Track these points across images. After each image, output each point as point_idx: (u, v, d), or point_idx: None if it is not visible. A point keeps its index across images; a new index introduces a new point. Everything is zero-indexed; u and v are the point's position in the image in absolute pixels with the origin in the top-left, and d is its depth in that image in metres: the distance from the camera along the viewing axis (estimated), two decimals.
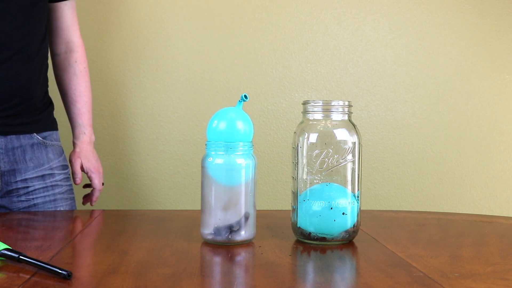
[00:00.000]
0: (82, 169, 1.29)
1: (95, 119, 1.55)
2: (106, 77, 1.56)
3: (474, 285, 0.64)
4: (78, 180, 1.27)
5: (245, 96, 0.82)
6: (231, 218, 0.81)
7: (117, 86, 1.56)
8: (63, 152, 1.28)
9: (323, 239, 0.82)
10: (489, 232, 0.96)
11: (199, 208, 0.85)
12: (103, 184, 1.32)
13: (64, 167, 1.27)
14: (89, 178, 1.30)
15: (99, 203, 1.57)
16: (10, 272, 0.67)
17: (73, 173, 1.27)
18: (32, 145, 1.20)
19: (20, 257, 0.69)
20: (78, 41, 1.31)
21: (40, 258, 0.71)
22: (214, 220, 0.82)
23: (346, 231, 0.83)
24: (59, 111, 1.36)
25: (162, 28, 1.55)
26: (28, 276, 0.65)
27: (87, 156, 1.29)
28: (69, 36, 1.29)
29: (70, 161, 1.29)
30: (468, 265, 0.73)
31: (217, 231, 0.82)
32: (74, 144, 1.30)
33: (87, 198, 1.31)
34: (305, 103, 0.85)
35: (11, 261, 0.70)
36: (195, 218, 0.95)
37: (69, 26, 1.29)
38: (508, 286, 0.64)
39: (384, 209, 1.59)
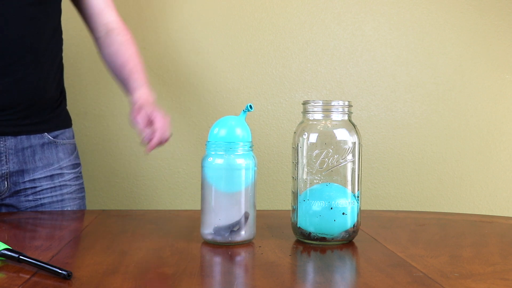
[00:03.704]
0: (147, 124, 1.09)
1: (95, 119, 1.56)
2: (106, 77, 1.56)
3: (474, 285, 0.64)
4: (145, 137, 1.08)
5: (250, 106, 0.82)
6: (231, 218, 0.81)
7: (117, 86, 1.56)
8: (75, 149, 1.25)
9: (323, 239, 0.82)
10: (489, 232, 0.96)
11: (199, 208, 0.85)
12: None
13: (75, 166, 1.24)
14: (152, 119, 1.08)
15: (99, 203, 1.57)
16: (10, 272, 0.67)
17: (140, 132, 1.08)
18: (43, 145, 1.18)
19: (20, 257, 0.69)
20: (115, 20, 1.25)
21: (40, 258, 0.71)
22: (214, 220, 0.82)
23: (346, 231, 0.83)
24: (72, 107, 1.35)
25: (162, 28, 1.55)
26: (28, 276, 0.65)
27: (146, 103, 1.12)
28: (106, 18, 1.25)
29: (132, 121, 1.10)
30: (468, 265, 0.73)
31: (217, 231, 0.82)
32: (131, 103, 1.14)
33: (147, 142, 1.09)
34: (305, 103, 0.85)
35: (11, 261, 0.70)
36: (195, 218, 0.95)
37: (103, 9, 1.25)
38: (508, 286, 0.64)
39: (384, 209, 1.59)
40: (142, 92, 1.15)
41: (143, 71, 1.21)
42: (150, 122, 1.08)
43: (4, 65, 1.10)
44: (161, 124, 1.07)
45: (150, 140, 1.08)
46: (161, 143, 1.09)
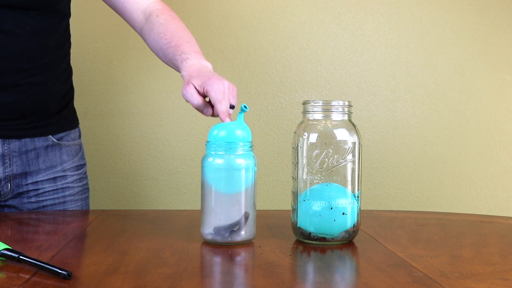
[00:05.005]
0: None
1: (95, 119, 1.56)
2: (106, 77, 1.56)
3: (474, 285, 0.64)
4: (209, 111, 0.92)
5: (245, 107, 0.82)
6: (231, 218, 0.81)
7: (117, 86, 1.56)
8: (80, 150, 1.24)
9: (323, 239, 0.82)
10: (489, 232, 0.96)
11: (199, 208, 0.85)
12: (232, 107, 0.91)
13: (79, 167, 1.22)
14: (205, 90, 0.92)
15: (100, 203, 1.57)
16: (10, 272, 0.67)
17: (197, 107, 0.93)
18: (46, 147, 1.16)
19: (20, 257, 0.69)
20: (152, 2, 1.15)
21: (40, 258, 0.71)
22: (214, 220, 0.82)
23: (346, 231, 0.83)
24: (80, 101, 1.33)
25: None
26: (28, 276, 0.65)
27: (196, 73, 0.95)
28: (141, 4, 1.16)
29: (184, 96, 0.94)
30: (468, 265, 0.73)
31: (217, 231, 0.82)
32: (182, 77, 1.00)
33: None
34: (305, 103, 0.85)
35: (11, 261, 0.70)
36: (195, 218, 0.95)
37: (137, 1, 1.16)
38: (508, 286, 0.64)
39: (384, 209, 1.59)
40: (191, 64, 0.99)
41: (193, 42, 1.06)
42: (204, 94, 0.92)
43: (7, 78, 1.08)
44: (216, 93, 0.89)
45: (214, 113, 0.92)
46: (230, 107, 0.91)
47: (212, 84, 0.90)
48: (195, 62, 0.99)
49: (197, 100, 0.91)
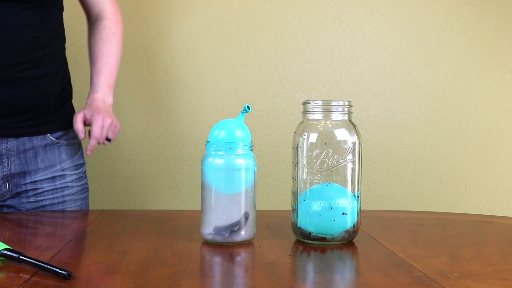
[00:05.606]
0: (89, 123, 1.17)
1: None
2: None
3: (474, 285, 0.64)
4: (81, 135, 1.16)
5: (248, 107, 0.82)
6: (231, 218, 0.81)
7: (117, 86, 1.56)
8: (79, 149, 1.24)
9: (323, 239, 0.82)
10: (489, 232, 0.96)
11: (199, 208, 0.86)
12: (108, 140, 1.18)
13: (78, 166, 1.23)
14: (90, 124, 1.18)
15: (100, 203, 1.57)
16: (10, 272, 0.67)
17: (76, 131, 1.17)
18: (45, 146, 1.16)
19: (20, 257, 0.69)
20: (109, 10, 1.27)
21: (40, 258, 0.71)
22: (214, 220, 0.82)
23: (346, 231, 0.83)
24: (81, 101, 1.32)
25: (162, 28, 1.55)
26: (28, 276, 0.65)
27: (92, 107, 1.19)
28: (100, 7, 1.27)
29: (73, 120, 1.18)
30: (468, 265, 0.73)
31: (217, 231, 0.82)
32: (86, 100, 1.24)
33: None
34: (305, 103, 0.85)
35: (11, 261, 0.70)
36: (195, 218, 0.95)
37: (97, 1, 1.27)
38: (508, 286, 0.64)
39: (384, 209, 1.59)
40: (95, 97, 1.21)
41: (112, 71, 1.25)
42: (89, 124, 1.17)
43: (1, 73, 1.08)
44: (96, 129, 1.15)
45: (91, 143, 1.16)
46: (101, 142, 1.17)
47: (97, 119, 1.15)
48: (99, 97, 1.21)
49: (77, 125, 1.15)
